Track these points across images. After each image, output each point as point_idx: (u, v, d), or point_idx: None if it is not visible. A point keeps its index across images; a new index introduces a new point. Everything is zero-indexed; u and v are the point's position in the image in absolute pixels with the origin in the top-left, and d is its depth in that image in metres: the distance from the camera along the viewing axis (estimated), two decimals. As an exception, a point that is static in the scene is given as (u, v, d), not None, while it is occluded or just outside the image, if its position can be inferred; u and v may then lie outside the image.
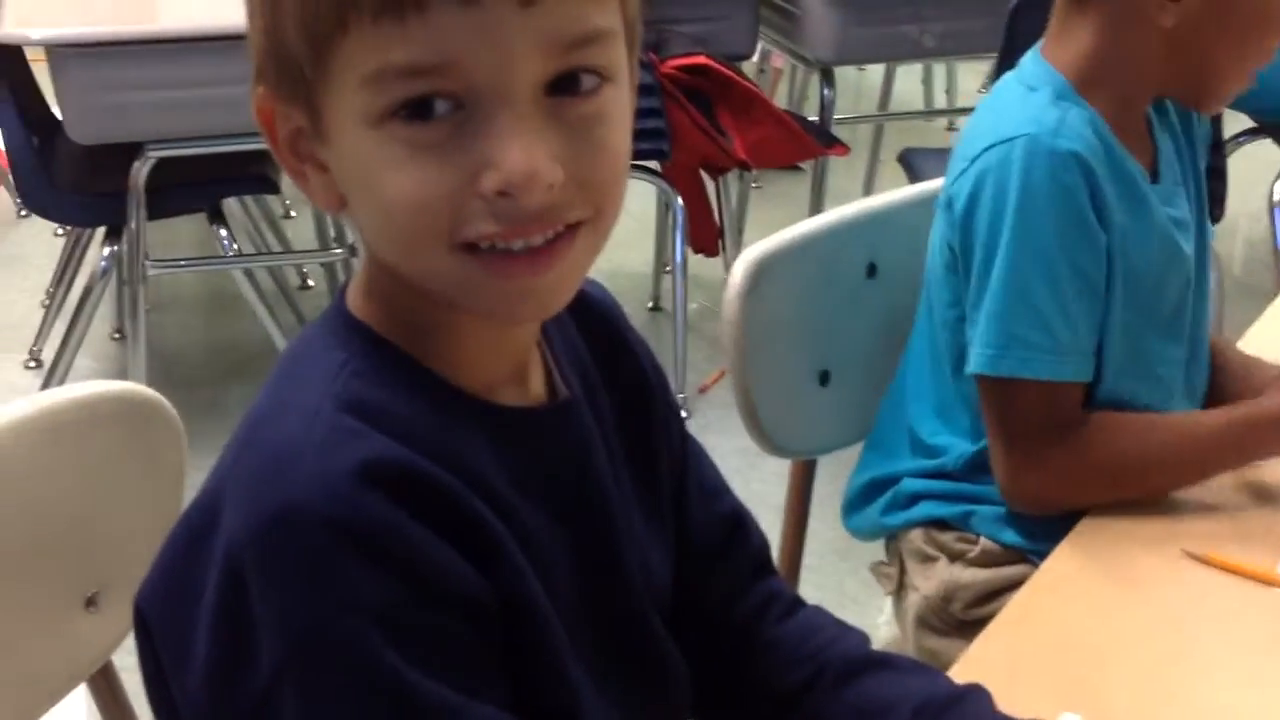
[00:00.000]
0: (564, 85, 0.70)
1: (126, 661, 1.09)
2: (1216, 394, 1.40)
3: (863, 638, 0.94)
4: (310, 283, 3.55)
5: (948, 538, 1.36)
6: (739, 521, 0.96)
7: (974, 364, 1.26)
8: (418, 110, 0.68)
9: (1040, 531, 1.27)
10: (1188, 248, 1.32)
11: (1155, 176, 1.32)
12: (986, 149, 1.25)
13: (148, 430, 1.10)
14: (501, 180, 0.68)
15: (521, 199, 0.69)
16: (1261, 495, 1.25)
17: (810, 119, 3.31)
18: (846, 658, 0.91)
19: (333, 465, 0.69)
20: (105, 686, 1.14)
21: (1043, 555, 1.19)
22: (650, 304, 3.49)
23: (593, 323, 0.89)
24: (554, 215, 0.71)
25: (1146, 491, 1.25)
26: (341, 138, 0.71)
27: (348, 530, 0.68)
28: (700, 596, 0.92)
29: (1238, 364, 1.41)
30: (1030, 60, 1.32)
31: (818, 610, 0.96)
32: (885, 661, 0.92)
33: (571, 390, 0.84)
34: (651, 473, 0.90)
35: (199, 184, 2.75)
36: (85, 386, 1.08)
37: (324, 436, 0.71)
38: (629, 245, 3.61)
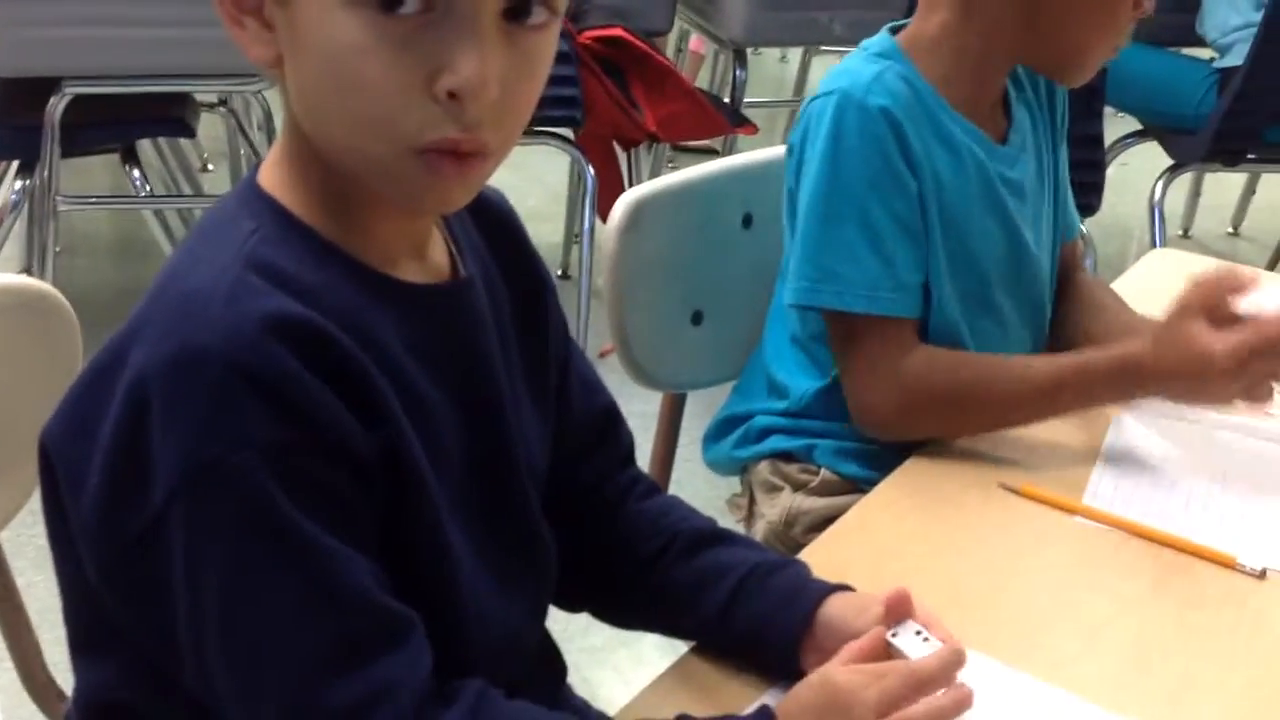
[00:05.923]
0: (519, 13, 0.78)
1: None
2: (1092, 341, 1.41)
3: (711, 520, 1.05)
4: (224, 232, 3.57)
5: (792, 469, 1.45)
6: (612, 417, 1.06)
7: (789, 296, 1.34)
8: (390, 1, 0.74)
9: (876, 464, 1.36)
10: (1015, 207, 1.39)
11: (1004, 140, 1.40)
12: (811, 101, 1.35)
13: (45, 323, 1.16)
14: (457, 84, 0.75)
15: (468, 106, 0.76)
16: (1075, 433, 1.34)
17: (725, 100, 3.40)
18: (695, 532, 1.02)
19: (239, 313, 0.75)
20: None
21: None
22: (560, 272, 3.56)
23: (491, 223, 0.97)
24: (480, 132, 0.78)
25: (981, 426, 1.31)
26: (307, 8, 0.76)
27: (248, 373, 0.74)
28: (573, 479, 1.02)
29: (1119, 322, 1.44)
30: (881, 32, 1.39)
31: (673, 496, 1.07)
32: (728, 537, 1.03)
33: (470, 273, 0.91)
34: (540, 362, 0.98)
35: (115, 123, 2.78)
36: (-14, 278, 1.13)
37: (231, 289, 0.76)
38: (543, 218, 3.67)
